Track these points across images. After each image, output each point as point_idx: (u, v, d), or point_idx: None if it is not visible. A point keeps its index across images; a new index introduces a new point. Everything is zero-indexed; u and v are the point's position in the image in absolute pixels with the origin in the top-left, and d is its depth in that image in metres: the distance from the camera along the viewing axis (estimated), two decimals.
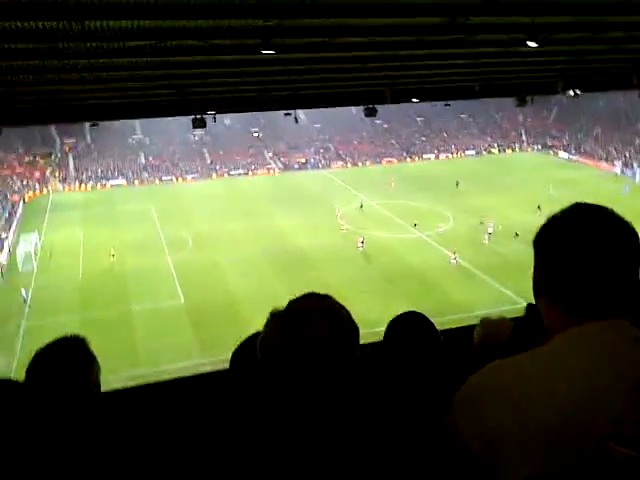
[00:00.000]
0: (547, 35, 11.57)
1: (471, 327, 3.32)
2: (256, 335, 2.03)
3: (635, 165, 65.04)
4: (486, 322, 2.94)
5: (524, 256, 35.71)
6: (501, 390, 1.26)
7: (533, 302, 2.56)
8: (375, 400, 1.52)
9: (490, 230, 43.45)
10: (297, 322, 1.41)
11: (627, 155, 69.07)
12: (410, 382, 2.33)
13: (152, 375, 25.30)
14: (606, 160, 69.73)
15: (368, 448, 1.41)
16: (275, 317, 1.48)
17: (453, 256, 38.39)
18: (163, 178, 70.28)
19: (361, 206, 53.23)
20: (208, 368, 24.01)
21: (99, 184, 67.90)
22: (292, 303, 1.50)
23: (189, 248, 43.32)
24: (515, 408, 1.22)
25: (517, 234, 41.73)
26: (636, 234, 1.32)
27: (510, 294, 32.38)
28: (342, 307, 1.51)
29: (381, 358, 2.54)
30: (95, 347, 2.25)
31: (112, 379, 21.90)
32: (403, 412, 1.58)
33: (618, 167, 66.35)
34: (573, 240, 1.31)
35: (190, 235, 45.83)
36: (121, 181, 69.07)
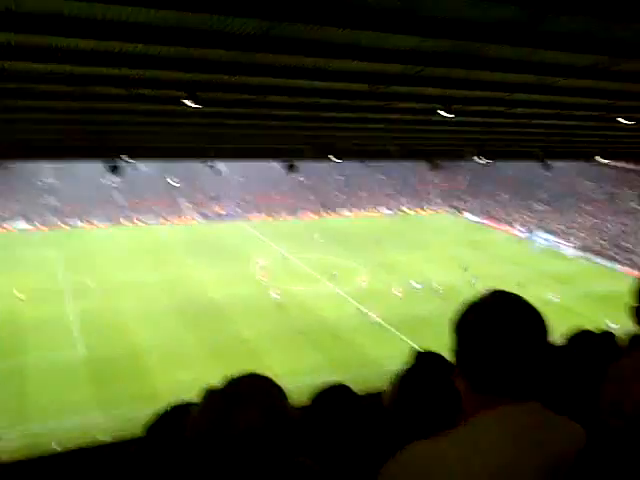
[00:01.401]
0: (461, 107, 12.26)
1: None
2: (177, 409, 1.91)
3: (535, 230, 69.62)
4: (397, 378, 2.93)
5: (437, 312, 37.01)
6: (420, 472, 1.31)
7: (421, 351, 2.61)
8: (294, 476, 1.48)
9: (418, 286, 44.83)
10: (231, 406, 1.38)
11: (529, 221, 73.94)
12: (333, 456, 2.25)
13: (41, 434, 23.50)
14: (510, 224, 74.23)
15: None
16: (210, 397, 1.45)
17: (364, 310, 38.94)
18: (71, 223, 67.32)
19: (281, 257, 53.29)
20: (106, 426, 22.63)
21: (1, 228, 63.99)
22: (229, 384, 1.47)
23: (94, 297, 41.34)
24: None
25: (440, 291, 43.23)
26: (543, 321, 1.44)
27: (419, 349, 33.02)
28: (280, 391, 1.49)
29: (302, 428, 2.45)
30: None
31: None
32: None
33: (522, 232, 70.78)
34: (488, 326, 1.42)
35: (96, 284, 43.82)
36: (26, 225, 65.45)
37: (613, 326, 32.32)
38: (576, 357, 2.68)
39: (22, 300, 38.72)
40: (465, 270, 49.40)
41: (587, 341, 2.85)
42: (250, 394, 1.41)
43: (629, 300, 2.16)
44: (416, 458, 1.36)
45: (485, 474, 1.25)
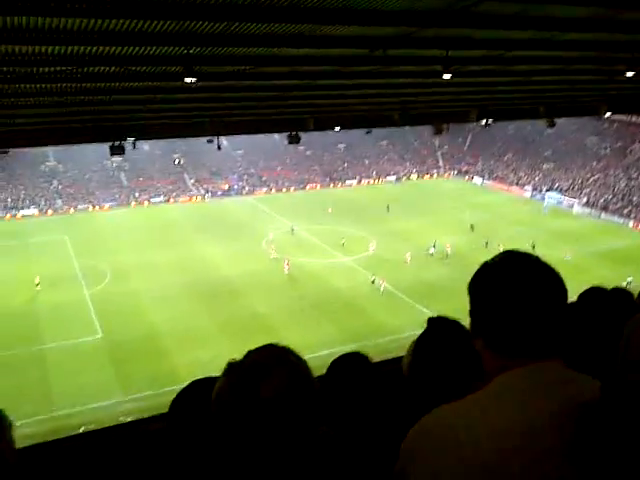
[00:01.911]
0: (460, 67, 12.14)
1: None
2: (199, 382, 1.95)
3: (544, 189, 69.14)
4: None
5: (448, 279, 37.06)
6: (446, 436, 1.32)
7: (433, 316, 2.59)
8: (318, 447, 1.47)
9: (432, 251, 45.11)
10: (254, 376, 1.38)
11: (535, 180, 73.39)
12: (352, 425, 2.29)
13: (68, 417, 23.99)
14: (517, 184, 73.71)
15: None
16: (232, 369, 1.44)
17: (380, 280, 39.01)
18: (78, 207, 67.52)
19: (292, 231, 53.40)
20: (128, 406, 23.03)
21: (9, 214, 64.33)
22: (249, 355, 1.46)
23: (107, 280, 41.63)
24: (460, 451, 1.28)
25: (447, 255, 43.27)
26: (561, 280, 1.44)
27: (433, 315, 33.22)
28: (300, 360, 1.49)
29: (320, 398, 2.50)
30: (4, 390, 2.06)
31: (25, 424, 20.65)
32: (346, 458, 1.55)
33: (529, 191, 70.27)
34: (504, 286, 1.40)
35: (108, 266, 44.07)
36: (33, 211, 65.77)
37: (630, 280, 32.32)
38: (589, 314, 2.67)
39: (37, 288, 39.13)
40: (472, 229, 49.35)
41: (598, 298, 2.82)
42: (271, 363, 1.41)
43: None
44: (440, 424, 1.37)
45: (510, 434, 1.25)
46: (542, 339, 1.39)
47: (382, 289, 38.25)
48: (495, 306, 1.40)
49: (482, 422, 1.29)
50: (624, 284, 31.15)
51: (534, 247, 44.89)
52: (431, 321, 2.57)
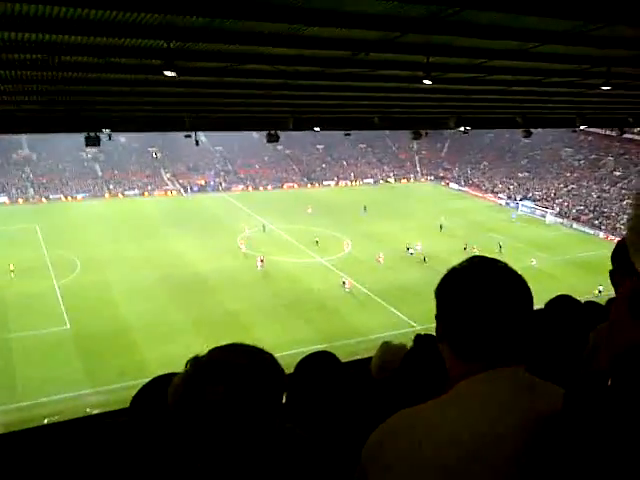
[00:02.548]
0: (441, 74, 12.25)
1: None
2: (161, 377, 1.94)
3: (518, 198, 70.16)
4: (385, 347, 2.99)
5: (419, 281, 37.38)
6: (407, 439, 1.33)
7: (421, 333, 2.63)
8: (283, 443, 1.48)
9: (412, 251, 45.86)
10: (216, 374, 1.36)
11: (510, 188, 74.46)
12: (318, 423, 2.30)
13: (31, 408, 23.57)
14: (492, 192, 74.68)
15: None
16: (194, 366, 1.42)
17: (346, 282, 39.35)
18: (51, 197, 66.40)
19: (264, 228, 53.30)
20: (95, 399, 22.73)
21: None
22: (212, 352, 1.45)
23: (77, 271, 41.03)
24: (421, 454, 1.28)
25: (425, 259, 43.71)
26: (527, 287, 1.44)
27: (404, 318, 33.51)
28: (265, 356, 1.47)
29: (288, 395, 2.50)
30: None
31: None
32: (312, 455, 1.56)
33: (503, 199, 71.27)
34: (470, 291, 1.40)
35: (79, 257, 43.44)
36: (3, 199, 64.46)
37: (600, 289, 32.91)
38: (555, 322, 2.71)
39: (12, 275, 38.83)
40: (440, 229, 50.11)
41: (566, 306, 2.87)
42: (231, 360, 1.40)
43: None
44: (402, 426, 1.37)
45: (471, 439, 1.26)
46: (506, 345, 1.39)
47: (347, 290, 38.65)
48: (460, 311, 1.41)
49: (443, 426, 1.30)
50: (595, 292, 31.75)
51: (501, 248, 46.89)
52: (418, 338, 2.60)
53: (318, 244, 48.08)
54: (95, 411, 19.37)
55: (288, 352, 25.49)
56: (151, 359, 27.64)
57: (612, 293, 1.80)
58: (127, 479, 1.94)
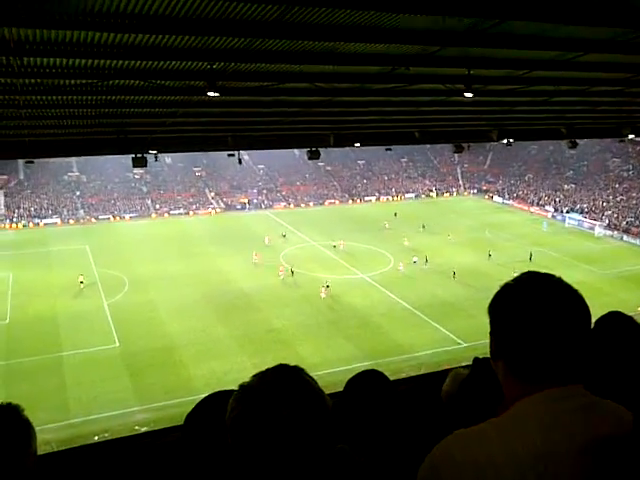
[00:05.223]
0: (482, 86, 12.14)
1: (422, 376, 3.32)
2: (215, 395, 1.95)
3: (564, 210, 68.47)
4: (457, 375, 2.96)
5: (461, 297, 36.83)
6: (465, 460, 1.30)
7: (480, 357, 2.58)
8: (335, 465, 1.46)
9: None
10: (266, 397, 1.37)
11: (556, 200, 72.75)
12: (368, 443, 2.29)
13: (81, 425, 24.09)
14: (537, 205, 73.11)
15: None
16: (244, 393, 1.42)
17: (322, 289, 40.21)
18: (100, 217, 68.46)
19: (334, 247, 53.67)
20: (143, 416, 23.02)
21: (31, 223, 65.40)
22: (261, 376, 1.44)
23: (126, 290, 42.02)
24: (479, 475, 1.26)
25: (454, 274, 42.98)
26: (584, 302, 1.40)
27: (448, 334, 33.00)
28: (311, 379, 1.47)
29: (338, 414, 2.49)
30: (21, 396, 2.09)
31: (41, 430, 20.80)
32: (364, 475, 1.54)
33: (550, 212, 69.60)
34: (526, 308, 1.36)
35: (127, 277, 44.50)
36: (55, 220, 66.81)
37: None
38: (606, 339, 2.63)
39: (81, 286, 41.46)
40: (490, 256, 49.12)
41: (617, 322, 2.78)
42: (284, 384, 1.40)
43: None
44: (460, 447, 1.34)
45: (529, 459, 1.23)
46: (564, 363, 1.36)
47: (324, 296, 39.57)
48: (516, 328, 1.37)
49: (502, 447, 1.27)
50: (639, 310, 30.46)
51: (531, 257, 46.60)
52: (476, 362, 2.57)
53: (335, 247, 50.48)
54: (143, 429, 19.67)
55: (330, 370, 25.53)
56: (197, 376, 27.98)
57: None
58: None
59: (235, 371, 27.32)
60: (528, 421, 1.31)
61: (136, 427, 21.96)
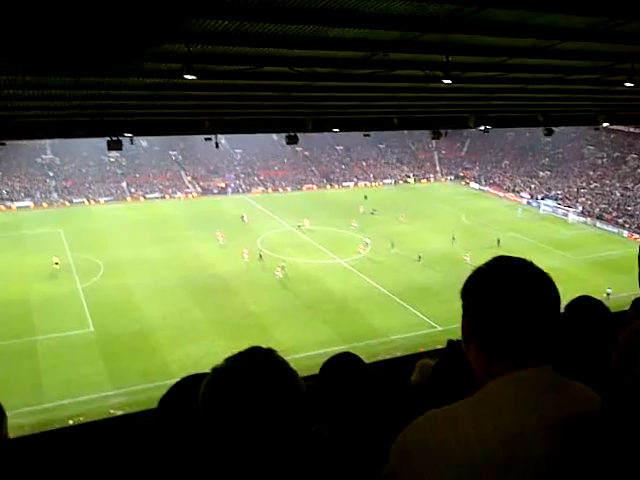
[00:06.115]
0: (460, 73, 12.17)
1: (396, 359, 3.37)
2: (189, 378, 1.95)
3: (539, 197, 69.36)
4: (424, 366, 3.00)
5: (436, 281, 37.26)
6: (437, 443, 1.32)
7: (454, 339, 2.63)
8: (311, 446, 1.48)
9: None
10: (241, 381, 1.37)
11: (531, 187, 73.64)
12: (343, 424, 2.31)
13: (55, 409, 23.93)
14: (513, 191, 73.93)
15: None
16: (217, 375, 1.42)
17: (278, 269, 40.76)
18: (74, 201, 67.36)
19: (287, 230, 54.32)
20: (119, 400, 22.99)
21: (3, 206, 64.10)
22: (234, 358, 1.45)
23: (101, 274, 41.57)
24: (450, 458, 1.28)
25: (420, 257, 43.38)
26: (554, 286, 1.43)
27: (424, 318, 33.37)
28: (284, 361, 1.48)
29: (314, 397, 2.51)
30: None
31: (15, 415, 20.56)
32: (336, 459, 1.56)
33: (525, 198, 70.44)
34: (498, 291, 1.39)
35: (102, 261, 44.00)
36: (28, 203, 65.55)
37: (609, 291, 32.47)
38: (577, 322, 2.69)
39: (57, 267, 41.13)
40: (453, 239, 49.77)
41: (586, 307, 2.84)
42: (257, 366, 1.41)
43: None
44: (431, 428, 1.37)
45: (499, 438, 1.26)
46: (534, 345, 1.39)
47: (279, 275, 40.28)
48: (488, 311, 1.40)
49: (472, 428, 1.30)
50: (604, 295, 31.13)
51: (499, 243, 47.12)
52: (451, 344, 2.60)
53: (300, 228, 51.70)
54: (118, 412, 19.61)
55: (308, 353, 25.67)
56: (173, 360, 27.91)
57: (623, 295, 1.79)
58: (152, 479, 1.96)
59: (212, 355, 27.28)
60: (498, 402, 1.34)
61: (111, 411, 21.90)
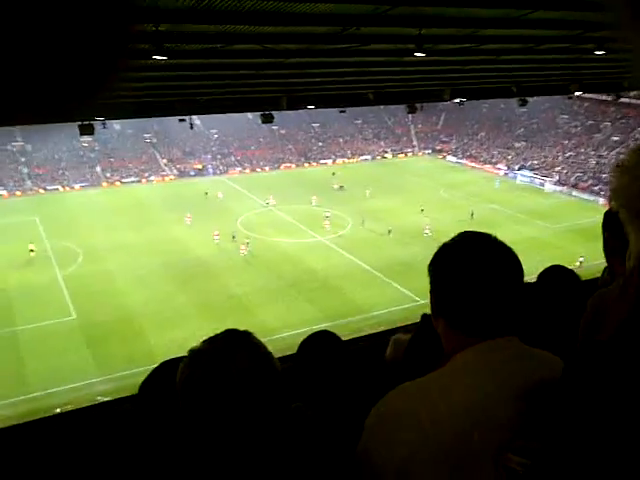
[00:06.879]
0: (433, 46, 12.15)
1: (375, 335, 3.40)
2: (168, 362, 1.96)
3: (516, 168, 69.90)
4: (398, 341, 3.04)
5: (417, 256, 37.56)
6: (407, 414, 1.36)
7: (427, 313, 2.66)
8: (291, 422, 1.52)
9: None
10: (217, 362, 1.41)
11: (508, 158, 74.15)
12: (322, 401, 2.34)
13: (42, 399, 23.81)
14: (490, 163, 74.37)
15: (288, 475, 1.42)
16: (194, 357, 1.47)
17: (242, 247, 41.22)
18: (48, 187, 66.17)
19: (267, 204, 54.90)
20: (105, 387, 22.89)
21: None
22: (210, 340, 1.50)
23: (80, 261, 41.07)
24: (420, 429, 1.32)
25: (389, 230, 44.25)
26: (517, 258, 1.47)
27: (408, 293, 33.66)
28: (260, 343, 1.51)
29: (293, 376, 2.54)
30: None
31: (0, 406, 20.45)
32: (317, 435, 1.59)
33: (502, 170, 70.92)
34: (462, 265, 1.43)
35: (81, 247, 43.45)
36: (0, 192, 64.27)
37: (581, 259, 33.03)
38: (548, 293, 2.73)
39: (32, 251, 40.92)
40: (422, 211, 50.20)
41: (558, 276, 2.89)
42: (233, 347, 1.44)
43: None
44: (402, 401, 1.41)
45: (465, 407, 1.30)
46: (499, 317, 1.42)
47: (243, 254, 40.73)
48: (454, 285, 1.44)
49: (442, 399, 1.34)
50: (576, 263, 31.63)
51: (472, 215, 47.44)
52: (425, 318, 2.63)
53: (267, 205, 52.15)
54: (106, 399, 19.55)
55: (293, 332, 25.81)
56: (158, 345, 27.85)
57: (594, 264, 1.82)
58: (136, 464, 1.98)
59: (196, 338, 25.95)
60: (466, 372, 1.39)
61: (98, 397, 21.82)
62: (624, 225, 1.11)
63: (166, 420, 1.83)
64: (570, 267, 3.02)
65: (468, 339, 1.42)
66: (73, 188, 66.68)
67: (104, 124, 22.31)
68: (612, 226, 2.09)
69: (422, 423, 1.32)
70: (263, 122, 23.60)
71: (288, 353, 3.75)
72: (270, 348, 1.55)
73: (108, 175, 70.53)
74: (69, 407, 20.45)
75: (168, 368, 1.93)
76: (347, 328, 24.82)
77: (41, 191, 65.35)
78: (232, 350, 1.43)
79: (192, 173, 73.02)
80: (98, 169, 71.68)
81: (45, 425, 3.47)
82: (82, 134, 19.96)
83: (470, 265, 1.42)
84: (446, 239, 1.54)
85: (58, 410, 19.91)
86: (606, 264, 2.66)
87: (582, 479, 0.90)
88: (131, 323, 31.13)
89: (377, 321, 28.04)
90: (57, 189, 66.17)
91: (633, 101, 69.30)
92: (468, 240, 1.50)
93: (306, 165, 78.60)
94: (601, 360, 1.01)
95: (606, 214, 1.96)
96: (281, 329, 26.97)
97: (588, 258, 31.91)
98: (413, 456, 1.31)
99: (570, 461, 0.95)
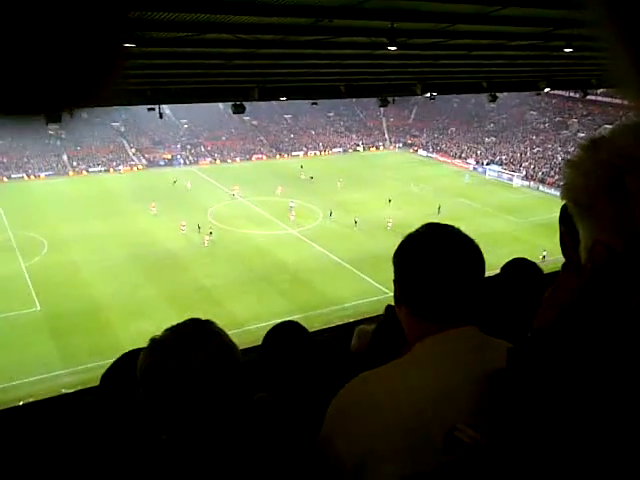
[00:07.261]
0: (405, 39, 12.18)
1: (342, 326, 3.42)
2: (128, 354, 1.95)
3: (485, 163, 70.84)
4: (362, 332, 3.05)
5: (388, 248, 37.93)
6: (368, 402, 1.39)
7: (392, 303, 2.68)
8: (254, 412, 1.53)
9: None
10: (178, 350, 1.40)
11: (478, 153, 75.10)
12: (286, 392, 2.34)
13: (5, 391, 23.33)
14: (460, 157, 75.21)
15: (249, 465, 1.42)
16: (155, 345, 1.46)
17: (206, 237, 41.08)
18: (12, 176, 64.57)
19: (233, 196, 54.68)
20: (70, 379, 22.54)
21: None
22: (172, 330, 1.49)
23: (45, 252, 40.25)
24: (381, 416, 1.34)
25: (356, 221, 44.88)
26: (478, 250, 1.51)
27: (378, 286, 33.90)
28: (222, 332, 1.51)
29: (258, 367, 2.54)
30: None
31: None
32: (280, 424, 1.59)
33: (471, 165, 71.79)
34: (425, 256, 1.47)
35: (46, 238, 42.55)
36: None
37: (545, 253, 33.73)
38: (509, 285, 2.78)
39: None
40: (389, 201, 50.81)
41: (520, 269, 2.95)
42: (194, 335, 1.44)
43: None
44: (363, 389, 1.43)
45: (428, 396, 1.33)
46: (460, 306, 1.46)
47: (206, 244, 40.96)
48: (417, 274, 1.47)
49: (402, 387, 1.36)
50: (540, 257, 32.27)
51: (439, 209, 47.75)
52: (389, 308, 2.64)
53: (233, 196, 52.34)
54: (70, 391, 19.27)
55: (263, 324, 25.75)
56: (125, 337, 27.49)
57: (558, 257, 1.85)
58: (97, 455, 1.96)
59: (163, 329, 27.01)
60: (427, 360, 1.42)
61: (63, 390, 21.47)
62: (574, 220, 1.14)
63: (127, 411, 1.82)
64: (534, 260, 3.08)
65: (430, 326, 1.45)
66: (38, 177, 65.22)
67: (71, 112, 21.78)
68: (568, 221, 2.13)
69: (382, 409, 1.34)
70: (234, 112, 23.38)
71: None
72: (239, 341, 1.55)
73: (75, 164, 69.16)
74: (32, 399, 20.11)
75: (130, 359, 1.92)
76: (318, 320, 24.93)
77: (5, 179, 63.77)
78: (193, 339, 1.43)
79: (161, 163, 72.12)
80: (64, 157, 70.23)
81: (5, 417, 3.41)
82: (48, 122, 19.46)
83: (433, 255, 1.46)
84: (411, 231, 1.58)
85: (21, 403, 19.57)
86: None
87: (524, 457, 0.92)
88: (97, 314, 30.67)
89: (347, 313, 28.18)
90: (22, 177, 64.67)
91: (599, 98, 70.85)
92: (432, 231, 1.53)
93: (277, 157, 78.34)
94: (536, 346, 1.05)
95: (563, 209, 2.00)
96: (250, 321, 26.94)
97: (552, 252, 32.61)
98: (374, 444, 1.33)
99: (511, 440, 0.98)
